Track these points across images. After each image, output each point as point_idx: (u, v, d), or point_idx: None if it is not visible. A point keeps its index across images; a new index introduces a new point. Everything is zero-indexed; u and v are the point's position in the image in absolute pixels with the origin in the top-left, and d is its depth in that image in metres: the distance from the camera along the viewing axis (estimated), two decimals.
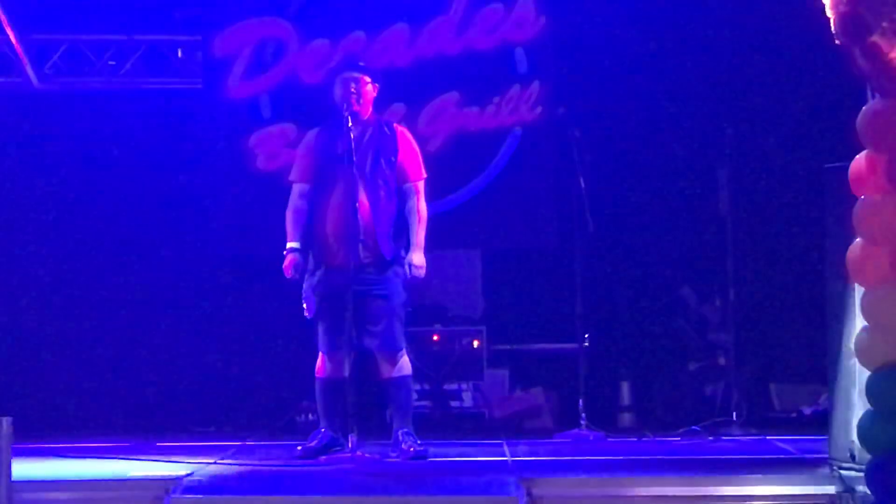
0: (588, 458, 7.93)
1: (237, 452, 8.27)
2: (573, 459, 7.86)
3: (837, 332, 6.72)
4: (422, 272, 7.85)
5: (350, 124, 7.71)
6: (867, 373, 6.04)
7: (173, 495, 6.39)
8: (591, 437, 8.84)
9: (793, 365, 9.94)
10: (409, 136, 8.06)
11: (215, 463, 7.59)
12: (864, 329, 6.04)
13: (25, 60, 10.18)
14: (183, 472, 6.95)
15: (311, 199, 7.87)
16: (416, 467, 7.44)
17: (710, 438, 8.77)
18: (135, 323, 10.24)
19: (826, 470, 6.75)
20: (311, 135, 8.06)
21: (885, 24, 5.65)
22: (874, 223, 5.92)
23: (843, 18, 5.73)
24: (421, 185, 7.93)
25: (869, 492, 6.06)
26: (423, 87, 10.24)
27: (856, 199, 6.03)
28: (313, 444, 7.82)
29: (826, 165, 6.84)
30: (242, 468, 7.52)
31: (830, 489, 6.49)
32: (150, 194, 10.32)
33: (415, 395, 8.48)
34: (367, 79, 7.90)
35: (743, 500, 6.60)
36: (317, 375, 7.91)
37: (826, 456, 6.94)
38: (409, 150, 7.95)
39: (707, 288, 9.98)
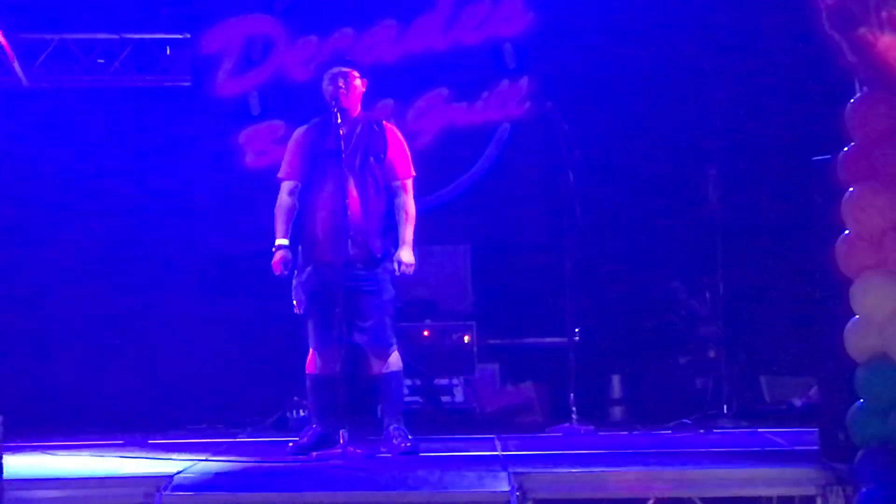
0: (579, 451, 7.92)
1: (228, 449, 8.26)
2: (564, 453, 7.85)
3: (827, 324, 6.72)
4: (410, 269, 7.85)
5: (339, 120, 7.70)
6: (857, 364, 6.06)
7: (165, 492, 6.40)
8: (582, 431, 8.85)
9: (783, 357, 9.95)
10: (399, 133, 8.06)
11: (206, 460, 7.59)
12: (853, 321, 6.06)
13: (14, 59, 10.16)
14: (174, 469, 6.96)
15: (301, 195, 7.88)
16: (408, 462, 7.43)
17: (701, 431, 8.80)
18: (125, 320, 10.24)
19: (816, 462, 6.76)
20: (300, 131, 8.05)
21: (872, 17, 5.67)
22: (862, 215, 5.94)
23: (831, 11, 5.75)
24: (409, 182, 7.93)
25: (859, 483, 6.09)
26: (411, 82, 10.25)
27: (844, 191, 6.05)
28: (305, 440, 7.82)
29: (814, 158, 6.85)
30: (234, 465, 7.52)
31: (821, 481, 6.51)
32: (139, 192, 10.32)
33: (405, 391, 8.48)
34: (356, 74, 7.90)
35: (734, 493, 6.63)
36: (307, 372, 7.91)
37: (816, 448, 6.95)
38: (399, 147, 7.95)
39: (697, 281, 9.99)
